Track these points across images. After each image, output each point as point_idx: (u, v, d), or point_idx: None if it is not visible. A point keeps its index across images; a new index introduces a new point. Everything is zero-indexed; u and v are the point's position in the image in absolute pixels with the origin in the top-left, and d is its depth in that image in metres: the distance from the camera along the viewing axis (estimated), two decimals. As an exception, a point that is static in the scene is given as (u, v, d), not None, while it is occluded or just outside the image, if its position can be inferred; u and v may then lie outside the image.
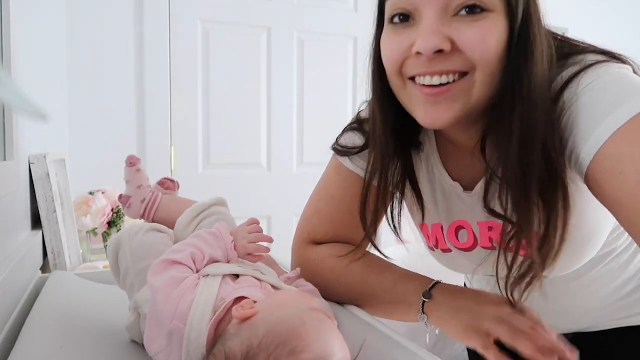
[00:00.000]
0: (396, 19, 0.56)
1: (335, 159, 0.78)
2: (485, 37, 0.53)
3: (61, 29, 1.83)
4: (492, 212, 0.59)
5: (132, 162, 0.78)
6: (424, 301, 0.65)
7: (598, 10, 2.96)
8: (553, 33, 0.62)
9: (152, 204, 0.76)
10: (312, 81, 2.35)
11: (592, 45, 0.61)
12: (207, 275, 0.56)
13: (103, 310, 0.75)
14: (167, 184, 0.80)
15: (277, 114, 2.31)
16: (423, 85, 0.55)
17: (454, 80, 0.54)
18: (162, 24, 2.09)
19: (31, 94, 1.10)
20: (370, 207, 0.68)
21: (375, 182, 0.67)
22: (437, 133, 0.71)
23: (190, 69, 2.15)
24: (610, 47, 0.60)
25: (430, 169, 0.72)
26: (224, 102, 2.22)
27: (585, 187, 0.55)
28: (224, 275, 0.56)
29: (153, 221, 0.76)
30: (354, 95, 2.39)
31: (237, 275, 0.58)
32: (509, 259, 0.58)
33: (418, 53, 0.54)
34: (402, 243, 0.72)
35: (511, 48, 0.54)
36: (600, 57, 0.57)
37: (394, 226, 0.71)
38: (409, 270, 0.73)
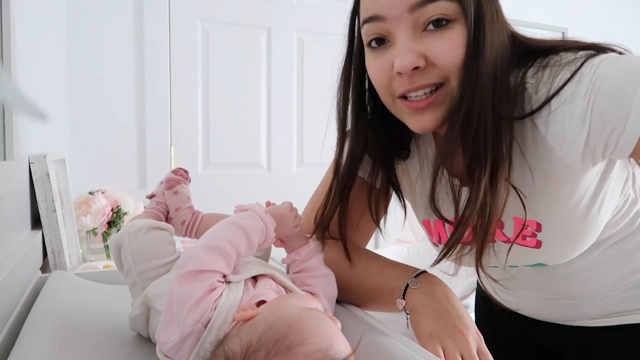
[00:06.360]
0: (374, 44, 0.63)
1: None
2: (454, 48, 0.58)
3: (61, 29, 1.84)
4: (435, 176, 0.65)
5: (169, 185, 0.75)
6: (407, 285, 0.68)
7: (597, 11, 2.97)
8: (517, 35, 0.65)
9: (192, 225, 0.76)
10: (312, 81, 2.35)
11: (575, 41, 0.62)
12: (230, 282, 0.57)
13: (103, 310, 0.75)
14: (180, 173, 0.78)
15: (277, 114, 2.31)
16: (409, 100, 0.62)
17: (432, 92, 0.61)
18: (162, 24, 2.09)
19: (31, 94, 1.10)
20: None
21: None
22: (436, 135, 0.73)
23: (190, 69, 2.15)
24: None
25: (430, 168, 0.73)
26: (224, 102, 2.22)
27: (586, 175, 0.60)
28: (245, 280, 0.58)
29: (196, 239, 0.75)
30: (354, 95, 2.40)
31: (255, 279, 0.60)
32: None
33: (399, 73, 0.60)
34: (382, 234, 0.78)
35: (470, 49, 0.59)
36: (591, 52, 0.58)
37: (378, 222, 0.78)
38: (395, 261, 0.75)
